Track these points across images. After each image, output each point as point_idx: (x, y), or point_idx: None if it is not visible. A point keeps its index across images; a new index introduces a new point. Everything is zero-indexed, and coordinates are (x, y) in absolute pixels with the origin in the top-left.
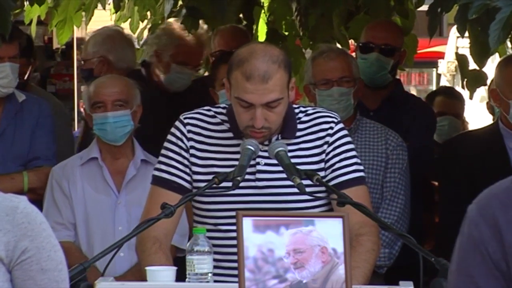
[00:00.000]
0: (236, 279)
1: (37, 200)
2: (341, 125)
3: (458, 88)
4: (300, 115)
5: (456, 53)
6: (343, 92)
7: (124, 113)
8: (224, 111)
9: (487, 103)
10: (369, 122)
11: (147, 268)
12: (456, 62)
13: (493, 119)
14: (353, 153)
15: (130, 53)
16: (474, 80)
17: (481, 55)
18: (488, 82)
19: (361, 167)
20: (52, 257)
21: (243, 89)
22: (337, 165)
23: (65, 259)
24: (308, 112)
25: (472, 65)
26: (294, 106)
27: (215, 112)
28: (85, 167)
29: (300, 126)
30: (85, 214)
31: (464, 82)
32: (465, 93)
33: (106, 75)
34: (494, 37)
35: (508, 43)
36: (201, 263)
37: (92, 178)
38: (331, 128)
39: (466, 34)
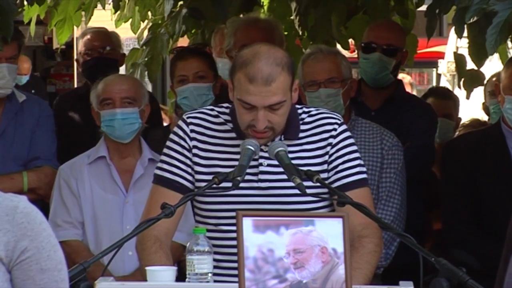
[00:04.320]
0: (237, 279)
1: (37, 200)
2: (344, 127)
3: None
4: (303, 115)
5: (454, 53)
6: (330, 93)
7: (132, 110)
8: (227, 110)
9: (483, 103)
10: (364, 122)
11: (147, 268)
12: None
13: (488, 119)
14: (356, 154)
15: None
16: (471, 80)
17: (479, 56)
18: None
19: (364, 169)
20: (52, 257)
21: (246, 91)
22: (340, 167)
23: (74, 257)
24: (312, 113)
25: (470, 65)
26: (297, 106)
27: (218, 111)
28: (93, 166)
29: (303, 127)
30: (93, 213)
31: (461, 82)
32: (462, 93)
33: (115, 73)
34: (491, 41)
35: (509, 43)
36: (201, 263)
37: (100, 177)
38: (334, 129)
39: (465, 34)
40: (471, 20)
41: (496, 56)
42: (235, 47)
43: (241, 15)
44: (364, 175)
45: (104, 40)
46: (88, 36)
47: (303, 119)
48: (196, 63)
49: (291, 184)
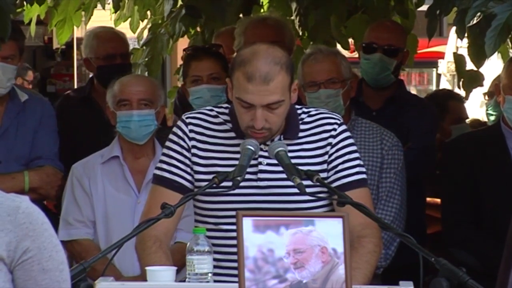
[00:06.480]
0: (237, 279)
1: (38, 200)
2: (344, 127)
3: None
4: (303, 115)
5: (454, 53)
6: (330, 94)
7: (149, 112)
8: (226, 111)
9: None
10: (364, 122)
11: (147, 268)
12: None
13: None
14: (356, 154)
15: None
16: (471, 80)
17: (478, 57)
18: (487, 82)
19: (363, 169)
20: (54, 257)
21: (244, 89)
22: (339, 167)
23: (84, 256)
24: (311, 113)
25: (469, 65)
26: (297, 107)
27: (218, 112)
28: (106, 165)
29: (302, 127)
30: (105, 212)
31: (461, 82)
32: (462, 93)
33: (131, 74)
34: (490, 44)
35: (509, 42)
36: (201, 263)
37: (113, 177)
38: (334, 129)
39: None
40: (471, 23)
41: (495, 57)
42: (245, 45)
43: (241, 15)
44: (364, 175)
45: (121, 45)
46: (103, 40)
47: (302, 119)
48: (210, 64)
49: (290, 183)
